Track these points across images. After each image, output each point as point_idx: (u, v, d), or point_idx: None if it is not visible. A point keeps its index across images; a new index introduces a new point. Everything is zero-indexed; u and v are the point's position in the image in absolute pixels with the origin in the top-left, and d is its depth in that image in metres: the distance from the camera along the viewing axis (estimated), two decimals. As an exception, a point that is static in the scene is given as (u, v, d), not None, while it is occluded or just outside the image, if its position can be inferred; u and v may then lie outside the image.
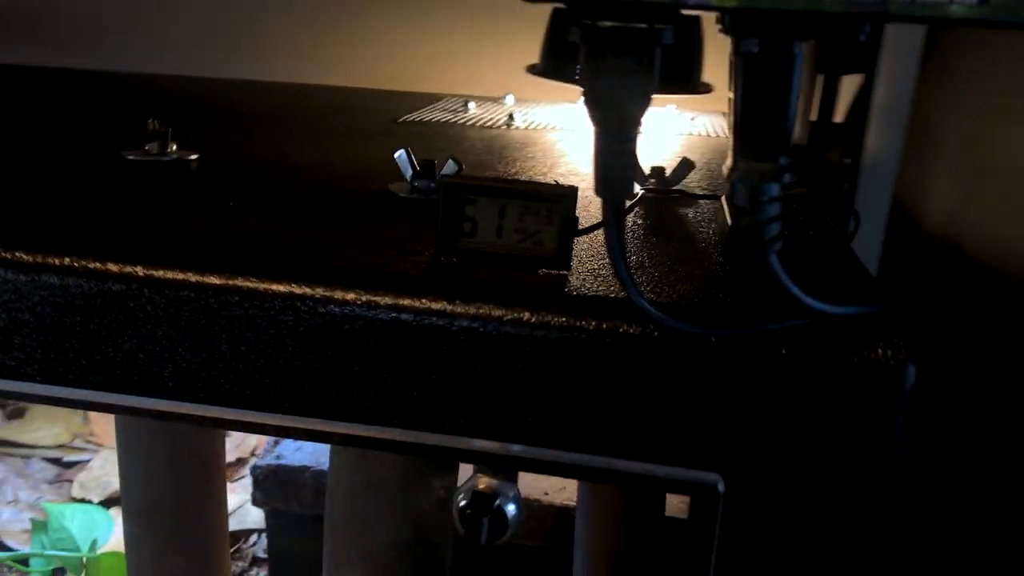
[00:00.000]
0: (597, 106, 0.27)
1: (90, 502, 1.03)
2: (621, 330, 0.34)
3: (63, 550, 0.84)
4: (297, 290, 0.35)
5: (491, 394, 0.35)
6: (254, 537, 1.00)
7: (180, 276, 0.36)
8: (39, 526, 0.87)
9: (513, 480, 0.37)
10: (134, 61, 1.09)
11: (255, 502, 0.82)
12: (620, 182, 0.29)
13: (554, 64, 0.35)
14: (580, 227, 0.38)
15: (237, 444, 1.13)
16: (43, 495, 1.06)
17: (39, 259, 0.37)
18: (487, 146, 0.68)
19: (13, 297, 0.37)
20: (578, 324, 0.34)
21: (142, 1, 1.09)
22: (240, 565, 0.96)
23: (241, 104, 0.87)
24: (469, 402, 0.35)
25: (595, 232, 0.44)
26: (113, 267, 0.37)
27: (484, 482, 0.37)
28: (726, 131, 0.80)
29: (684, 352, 0.33)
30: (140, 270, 0.37)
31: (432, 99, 0.98)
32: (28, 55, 1.11)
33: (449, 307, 0.35)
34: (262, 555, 0.97)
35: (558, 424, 0.35)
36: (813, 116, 0.90)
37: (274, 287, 0.36)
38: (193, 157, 0.57)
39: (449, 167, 0.49)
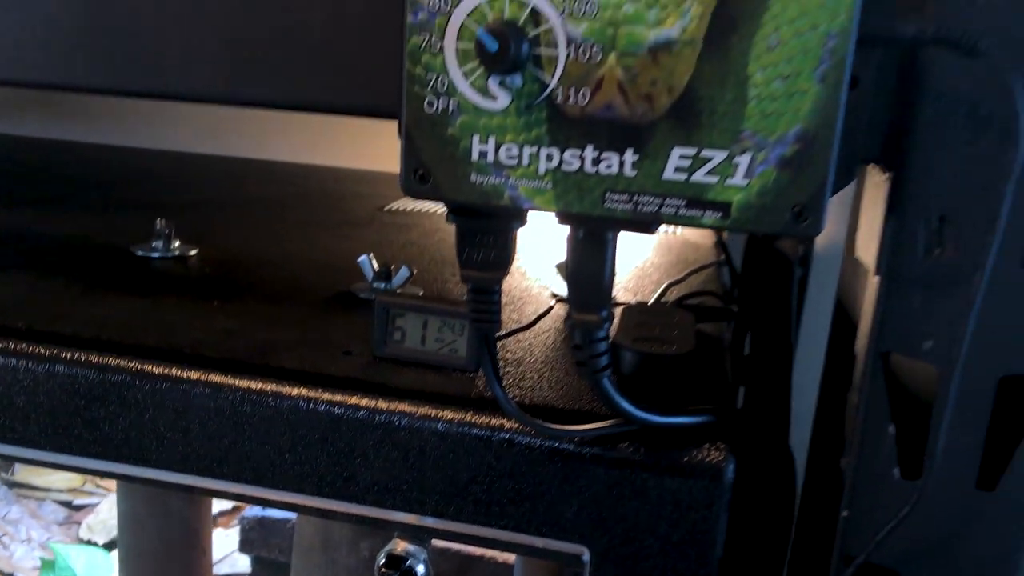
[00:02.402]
0: (465, 268, 0.36)
1: (95, 544, 1.12)
2: (506, 427, 0.43)
3: (67, 588, 0.92)
4: (254, 385, 0.45)
5: (404, 475, 0.44)
6: (243, 581, 1.08)
7: (163, 371, 0.45)
8: (47, 565, 0.95)
9: (426, 545, 0.46)
10: (120, 134, 1.19)
11: (242, 549, 0.90)
12: (488, 324, 0.38)
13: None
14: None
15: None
16: (53, 535, 1.15)
17: (53, 352, 0.47)
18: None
19: (31, 383, 0.47)
20: (472, 420, 0.43)
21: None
22: (229, 607, 1.04)
23: (236, 187, 0.97)
24: (388, 481, 0.44)
25: (506, 340, 0.53)
26: (112, 361, 0.46)
27: (400, 546, 0.45)
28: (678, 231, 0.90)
29: (555, 449, 0.42)
30: (133, 364, 0.46)
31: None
32: (30, 126, 1.23)
33: (370, 403, 0.44)
34: (249, 598, 1.05)
35: (460, 501, 0.44)
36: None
37: (236, 382, 0.45)
38: (192, 252, 0.66)
39: (402, 274, 0.59)
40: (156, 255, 0.65)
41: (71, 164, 1.07)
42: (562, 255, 0.36)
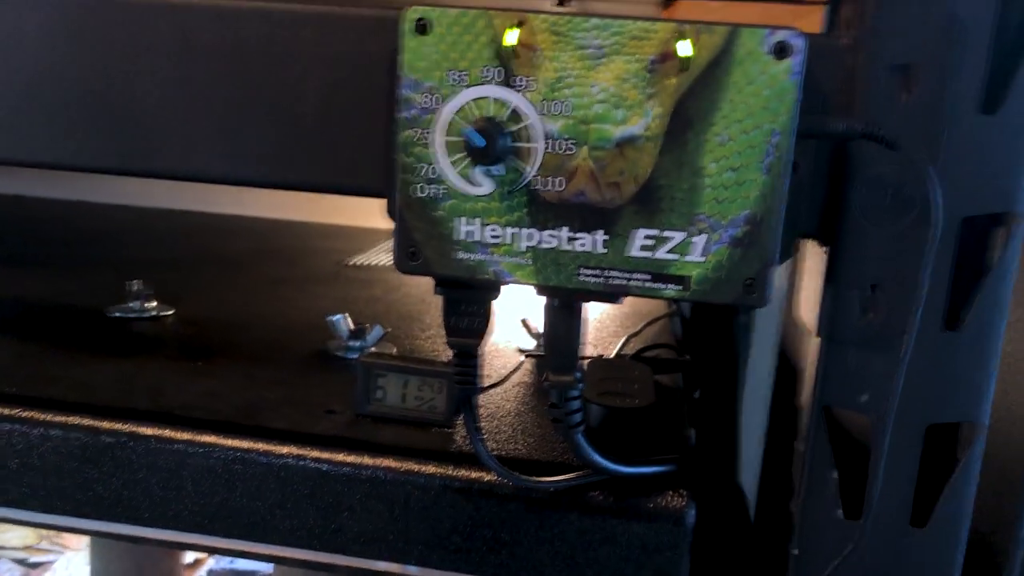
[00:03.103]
0: (450, 335, 0.40)
1: (53, 602, 1.11)
2: (485, 479, 0.46)
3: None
4: (245, 445, 0.47)
5: (389, 527, 0.47)
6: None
7: (156, 432, 0.48)
8: (7, 625, 0.95)
9: (408, 592, 0.49)
10: (68, 188, 1.20)
11: (208, 603, 0.91)
12: (470, 385, 0.41)
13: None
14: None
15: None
16: (10, 594, 1.14)
17: (47, 417, 0.49)
18: (421, 294, 0.80)
19: (25, 446, 0.49)
20: (454, 474, 0.46)
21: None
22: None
23: (200, 243, 0.99)
24: (374, 532, 0.47)
25: (481, 395, 0.57)
26: (105, 424, 0.48)
27: (385, 594, 0.48)
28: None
29: (531, 499, 0.45)
30: (127, 426, 0.48)
31: (385, 236, 1.11)
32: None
33: (357, 460, 0.46)
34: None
35: (442, 549, 0.47)
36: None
37: (228, 442, 0.47)
38: (168, 313, 0.69)
39: (376, 333, 0.62)
40: (132, 316, 0.67)
41: (29, 220, 1.08)
42: (525, 312, 0.39)
